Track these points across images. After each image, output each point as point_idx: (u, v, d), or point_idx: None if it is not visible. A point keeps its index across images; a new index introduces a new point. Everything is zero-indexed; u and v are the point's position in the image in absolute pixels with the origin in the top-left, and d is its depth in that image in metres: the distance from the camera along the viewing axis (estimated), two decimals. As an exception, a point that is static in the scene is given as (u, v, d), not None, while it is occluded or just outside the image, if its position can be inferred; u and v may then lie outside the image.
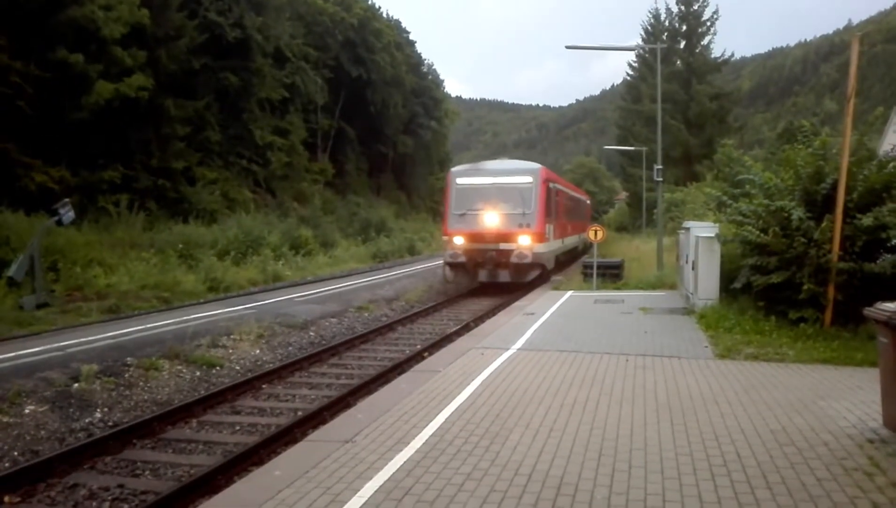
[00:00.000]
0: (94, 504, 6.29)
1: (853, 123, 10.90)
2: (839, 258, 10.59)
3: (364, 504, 4.77)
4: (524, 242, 19.83)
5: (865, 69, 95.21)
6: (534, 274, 20.45)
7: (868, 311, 6.29)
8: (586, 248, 35.73)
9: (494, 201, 20.42)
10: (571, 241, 29.20)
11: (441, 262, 22.20)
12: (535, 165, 22.11)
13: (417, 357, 11.66)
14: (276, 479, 5.29)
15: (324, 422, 7.86)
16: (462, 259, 20.24)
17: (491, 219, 20.22)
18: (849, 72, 10.87)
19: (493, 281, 20.40)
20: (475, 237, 20.23)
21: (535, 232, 19.98)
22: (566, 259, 29.31)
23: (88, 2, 25.12)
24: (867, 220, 10.40)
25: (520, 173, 21.21)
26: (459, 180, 21.39)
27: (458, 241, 20.35)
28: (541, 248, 20.19)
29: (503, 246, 19.94)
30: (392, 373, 10.63)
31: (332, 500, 4.85)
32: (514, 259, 19.64)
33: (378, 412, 7.05)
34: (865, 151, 11.82)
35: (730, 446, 5.85)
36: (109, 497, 6.38)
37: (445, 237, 21.07)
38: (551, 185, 22.16)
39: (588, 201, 43.27)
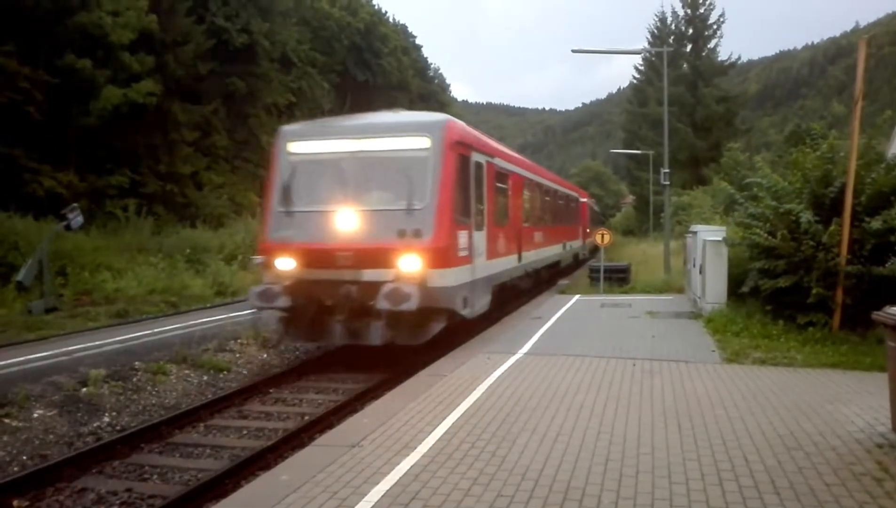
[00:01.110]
0: (102, 508, 6.31)
1: (861, 126, 10.89)
2: (847, 262, 10.56)
3: (371, 508, 4.77)
4: (408, 266, 10.40)
5: (873, 72, 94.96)
6: (434, 329, 10.81)
7: (877, 315, 6.26)
8: (580, 260, 31.44)
9: (354, 186, 11.10)
10: (542, 255, 19.34)
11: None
12: (439, 118, 12.06)
13: (424, 360, 11.62)
14: (284, 484, 5.30)
15: (331, 426, 7.86)
16: (284, 301, 10.71)
17: (345, 221, 10.78)
18: (856, 74, 10.85)
19: (355, 343, 10.93)
20: (315, 258, 10.84)
21: (430, 247, 10.41)
22: (531, 284, 18.69)
23: (96, 8, 25.31)
24: (876, 223, 10.37)
25: (406, 132, 11.40)
26: (293, 147, 11.78)
27: (284, 265, 11.00)
28: (446, 277, 10.62)
29: (368, 275, 10.50)
30: (400, 377, 10.61)
31: (339, 505, 4.85)
32: (382, 303, 10.02)
33: (385, 417, 7.05)
34: (874, 154, 11.79)
35: (737, 450, 5.83)
36: (118, 501, 6.39)
37: (258, 259, 12.09)
38: (478, 157, 12.38)
39: (583, 200, 33.49)
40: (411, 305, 9.94)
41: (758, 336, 11.19)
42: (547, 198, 21.12)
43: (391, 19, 64.20)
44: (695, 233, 15.94)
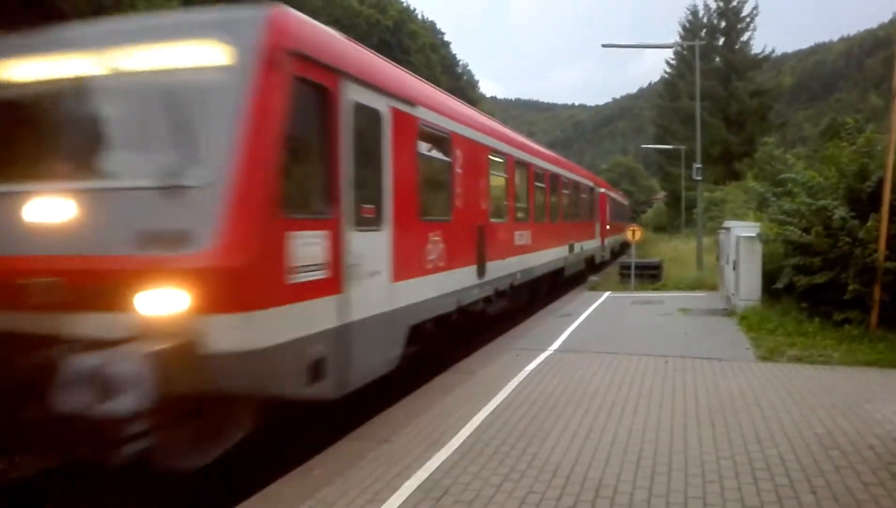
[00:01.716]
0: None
1: (900, 120, 10.65)
2: (885, 258, 10.35)
3: (403, 502, 4.80)
4: (160, 306, 4.81)
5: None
6: (231, 436, 5.23)
7: (916, 312, 6.15)
8: (596, 264, 26.03)
9: (81, 143, 5.71)
10: (529, 263, 14.16)
11: None
12: (253, 11, 5.42)
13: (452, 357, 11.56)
14: (316, 478, 5.36)
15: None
16: None
17: (51, 213, 5.21)
18: (894, 67, 10.62)
19: (69, 462, 5.39)
20: None
21: (209, 265, 4.78)
22: (509, 307, 13.06)
23: (129, 9, 25.75)
24: (915, 218, 10.16)
25: (183, 35, 5.46)
26: None
27: None
28: (252, 328, 4.95)
29: (88, 324, 4.92)
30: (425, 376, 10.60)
31: (372, 498, 4.89)
32: (63, 398, 4.41)
33: (415, 413, 7.09)
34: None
35: (773, 449, 5.75)
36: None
37: None
38: (365, 96, 6.86)
39: (601, 190, 27.82)
40: (126, 404, 4.39)
41: (793, 334, 11.01)
42: (539, 183, 15.42)
43: (420, 16, 64.44)
44: (728, 229, 15.75)
